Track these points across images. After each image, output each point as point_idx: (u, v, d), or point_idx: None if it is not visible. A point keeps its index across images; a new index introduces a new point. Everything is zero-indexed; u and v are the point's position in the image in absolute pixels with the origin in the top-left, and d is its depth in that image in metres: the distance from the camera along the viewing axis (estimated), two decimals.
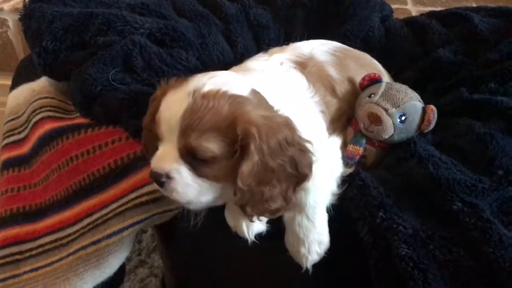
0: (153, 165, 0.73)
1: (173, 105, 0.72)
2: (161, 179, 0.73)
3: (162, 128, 0.73)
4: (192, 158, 0.72)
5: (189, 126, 0.70)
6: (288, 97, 0.84)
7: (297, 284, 0.87)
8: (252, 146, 0.69)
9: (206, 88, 0.72)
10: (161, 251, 1.30)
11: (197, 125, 0.70)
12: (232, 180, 0.72)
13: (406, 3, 1.65)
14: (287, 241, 0.81)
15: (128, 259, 1.45)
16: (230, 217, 0.81)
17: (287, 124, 0.74)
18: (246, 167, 0.70)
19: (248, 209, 0.73)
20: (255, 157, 0.70)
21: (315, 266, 0.80)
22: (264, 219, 0.79)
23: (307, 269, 0.79)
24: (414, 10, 1.58)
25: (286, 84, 0.87)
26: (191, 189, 0.73)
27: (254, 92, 0.76)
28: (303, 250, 0.79)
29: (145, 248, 1.49)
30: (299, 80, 0.90)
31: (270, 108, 0.76)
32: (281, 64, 0.92)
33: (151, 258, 1.46)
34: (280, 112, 0.76)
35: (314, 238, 0.79)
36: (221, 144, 0.71)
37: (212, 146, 0.71)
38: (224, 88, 0.72)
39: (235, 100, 0.72)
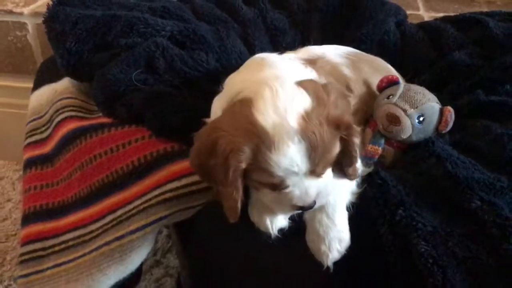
0: (302, 201, 0.75)
1: (289, 161, 0.71)
2: (311, 205, 0.76)
3: (287, 181, 0.73)
4: None
5: (317, 160, 0.72)
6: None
7: (318, 282, 0.88)
8: (354, 126, 0.77)
9: (295, 120, 0.71)
10: (178, 251, 1.32)
11: (320, 156, 0.72)
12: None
13: (418, 9, 1.66)
14: (308, 239, 0.82)
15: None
16: (254, 213, 0.83)
17: (335, 86, 0.81)
18: (357, 140, 0.78)
19: None
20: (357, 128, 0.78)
21: (336, 264, 0.81)
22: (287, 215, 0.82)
23: (328, 267, 0.80)
24: (426, 15, 1.60)
25: (298, 72, 0.86)
26: (328, 192, 0.78)
27: (302, 85, 0.76)
28: (323, 248, 0.80)
29: (160, 248, 1.50)
30: (308, 72, 0.88)
31: (318, 85, 0.78)
32: (289, 59, 0.92)
33: (166, 258, 1.47)
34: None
35: (335, 236, 0.80)
36: (336, 142, 0.75)
37: (335, 150, 0.75)
38: (303, 108, 0.72)
39: (318, 111, 0.73)
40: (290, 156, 0.70)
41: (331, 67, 0.96)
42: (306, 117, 0.71)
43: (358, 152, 0.79)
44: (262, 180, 0.74)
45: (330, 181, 0.78)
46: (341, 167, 0.81)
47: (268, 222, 0.81)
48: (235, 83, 0.83)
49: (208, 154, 0.74)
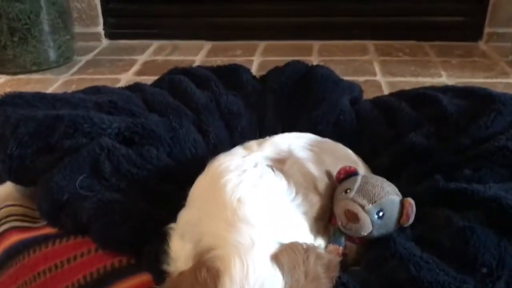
0: None
1: None
2: None
3: None
4: None
5: None
6: (269, 206, 0.81)
7: None
8: None
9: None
10: None
11: None
12: None
13: (375, 74, 1.68)
14: None
15: None
16: None
17: (318, 256, 0.77)
18: None
19: None
20: None
21: None
22: None
23: None
24: (383, 80, 1.61)
25: (265, 190, 0.84)
26: None
27: (277, 259, 0.72)
28: None
29: None
30: (277, 182, 0.86)
31: (299, 257, 0.74)
32: (256, 166, 0.88)
33: None
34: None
35: None
36: None
37: None
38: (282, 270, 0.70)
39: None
40: None
41: (298, 167, 0.92)
42: None
43: None
44: None
45: None
46: None
47: None
48: (207, 233, 0.77)
49: None
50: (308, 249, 0.75)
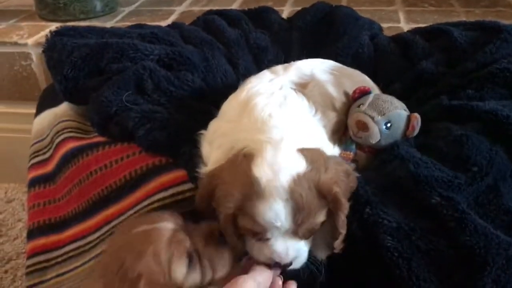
0: (280, 257, 0.79)
1: (272, 214, 0.76)
2: (288, 265, 0.80)
3: (268, 234, 0.78)
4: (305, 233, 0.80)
5: (300, 221, 0.77)
6: (295, 119, 0.91)
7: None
8: (342, 200, 0.79)
9: (286, 179, 0.76)
10: None
11: (304, 218, 0.77)
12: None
13: (399, 22, 1.74)
14: None
15: None
16: None
17: (339, 162, 0.86)
18: (343, 216, 0.81)
19: None
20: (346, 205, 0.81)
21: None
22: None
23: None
24: (406, 27, 1.67)
25: (290, 108, 0.93)
26: (305, 256, 0.82)
27: (302, 152, 0.81)
28: None
29: None
30: (300, 102, 0.95)
31: (321, 156, 0.83)
32: (281, 88, 0.97)
33: None
34: (319, 148, 0.86)
35: None
36: (323, 211, 0.80)
37: (320, 218, 0.80)
38: (297, 170, 0.78)
39: (309, 176, 0.78)
40: (275, 211, 0.75)
41: (318, 89, 1.02)
42: (297, 179, 0.76)
43: (343, 228, 0.81)
44: (246, 225, 0.78)
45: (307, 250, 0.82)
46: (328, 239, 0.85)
47: None
48: (240, 140, 0.86)
49: (209, 199, 0.82)
50: (329, 156, 0.85)
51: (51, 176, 1.22)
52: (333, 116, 1.03)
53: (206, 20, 1.47)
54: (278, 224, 0.76)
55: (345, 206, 0.80)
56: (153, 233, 0.75)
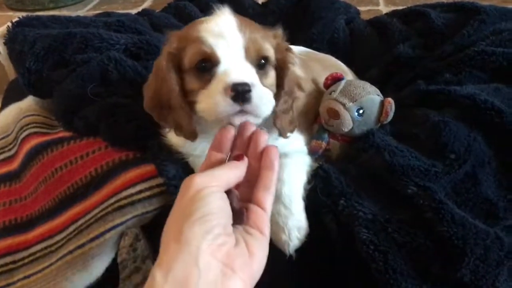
0: (236, 76, 0.76)
1: (219, 28, 0.79)
2: (248, 88, 0.75)
3: (218, 51, 0.78)
4: (257, 67, 0.80)
5: (250, 36, 0.78)
6: None
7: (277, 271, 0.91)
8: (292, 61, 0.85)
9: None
10: (151, 255, 1.35)
11: (255, 34, 0.79)
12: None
13: (378, 4, 1.70)
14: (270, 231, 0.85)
15: (124, 266, 1.51)
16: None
17: None
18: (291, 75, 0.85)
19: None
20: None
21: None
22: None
23: (290, 255, 0.82)
24: (385, 10, 1.64)
25: None
26: (268, 97, 0.80)
27: None
28: (284, 237, 0.82)
29: (140, 255, 1.54)
30: None
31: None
32: None
33: (145, 264, 1.51)
34: None
35: (294, 225, 0.82)
36: (271, 48, 0.82)
37: (267, 47, 0.81)
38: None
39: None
40: (221, 24, 0.79)
41: None
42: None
43: (294, 89, 0.87)
44: (193, 54, 0.79)
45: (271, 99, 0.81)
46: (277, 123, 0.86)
47: None
48: None
49: (159, 78, 0.84)
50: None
51: (16, 174, 1.16)
52: (298, 94, 0.98)
53: (178, 7, 1.42)
54: (227, 37, 0.77)
55: (293, 56, 0.85)
56: None
